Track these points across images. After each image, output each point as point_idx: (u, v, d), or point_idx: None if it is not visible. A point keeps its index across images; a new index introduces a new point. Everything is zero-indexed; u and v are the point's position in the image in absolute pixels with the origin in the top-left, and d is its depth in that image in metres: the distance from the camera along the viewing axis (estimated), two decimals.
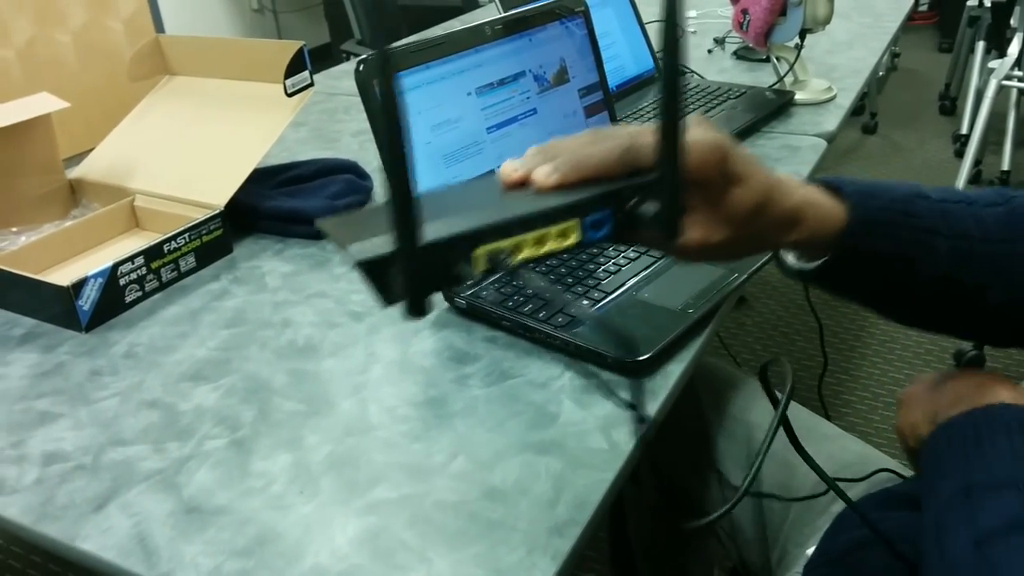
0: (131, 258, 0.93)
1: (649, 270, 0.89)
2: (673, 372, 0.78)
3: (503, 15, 0.98)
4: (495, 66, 0.94)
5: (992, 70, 2.72)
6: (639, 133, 0.50)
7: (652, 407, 0.74)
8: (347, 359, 0.83)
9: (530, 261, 0.49)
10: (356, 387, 0.78)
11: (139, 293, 0.94)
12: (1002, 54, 2.73)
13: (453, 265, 0.47)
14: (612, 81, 1.45)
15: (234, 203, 1.04)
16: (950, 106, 3.73)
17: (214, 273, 1.01)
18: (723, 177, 0.51)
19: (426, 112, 0.88)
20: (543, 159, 0.51)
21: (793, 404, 1.00)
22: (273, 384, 0.80)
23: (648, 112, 1.37)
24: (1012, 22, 2.72)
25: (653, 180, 0.49)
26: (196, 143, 1.14)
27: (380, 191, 1.17)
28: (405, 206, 0.43)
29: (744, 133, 1.31)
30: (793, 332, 2.29)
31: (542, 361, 0.81)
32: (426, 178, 0.87)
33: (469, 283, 0.86)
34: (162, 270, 0.96)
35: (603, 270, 0.90)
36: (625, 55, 1.50)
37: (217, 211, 1.02)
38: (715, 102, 1.40)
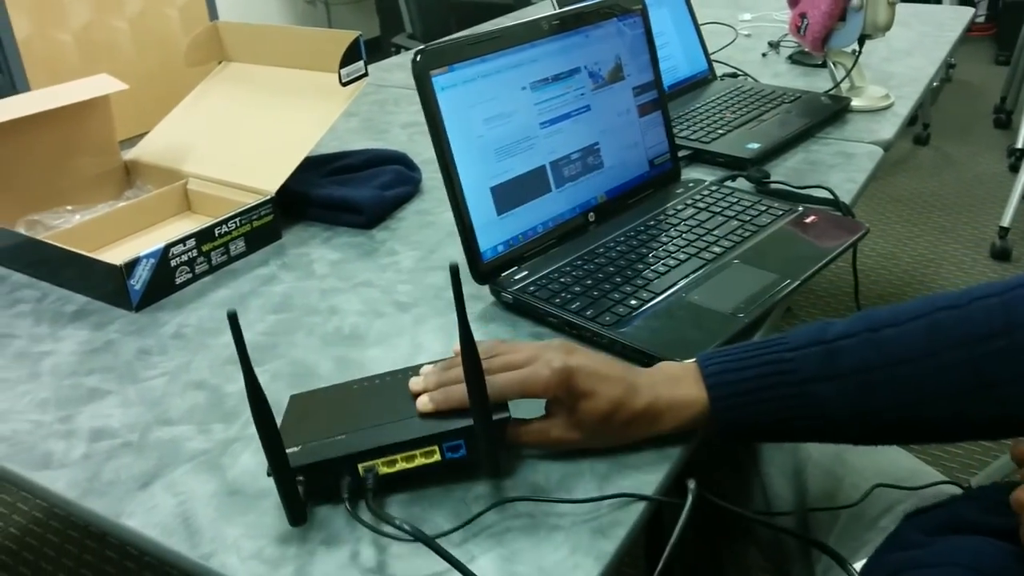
0: (183, 240, 0.94)
1: (699, 272, 0.88)
2: None
3: (559, 11, 0.97)
4: (550, 61, 0.94)
5: None
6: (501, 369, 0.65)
7: None
8: (393, 348, 0.83)
9: (401, 473, 0.63)
10: None
11: (189, 275, 0.95)
12: None
13: (341, 476, 0.62)
14: (665, 81, 1.44)
15: (284, 190, 1.05)
16: (1005, 120, 3.65)
17: (263, 258, 1.01)
18: (570, 394, 0.65)
19: (480, 105, 0.87)
20: (434, 382, 0.67)
21: None
22: (319, 370, 0.80)
23: (700, 113, 1.35)
24: None
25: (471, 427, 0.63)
26: (250, 129, 1.15)
27: (428, 182, 1.18)
28: (272, 438, 0.59)
29: (798, 138, 1.29)
30: None
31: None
32: (478, 172, 0.87)
33: (515, 286, 0.86)
34: (212, 253, 0.97)
35: (652, 270, 0.88)
36: (679, 56, 1.48)
37: (268, 197, 1.03)
38: (769, 106, 1.38)
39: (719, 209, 1.01)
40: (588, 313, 0.81)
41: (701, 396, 0.67)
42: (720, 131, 1.28)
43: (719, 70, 1.57)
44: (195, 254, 0.95)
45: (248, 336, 0.85)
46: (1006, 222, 2.65)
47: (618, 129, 1.01)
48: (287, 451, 0.60)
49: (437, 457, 0.64)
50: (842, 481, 0.85)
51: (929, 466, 0.87)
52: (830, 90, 1.44)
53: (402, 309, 0.90)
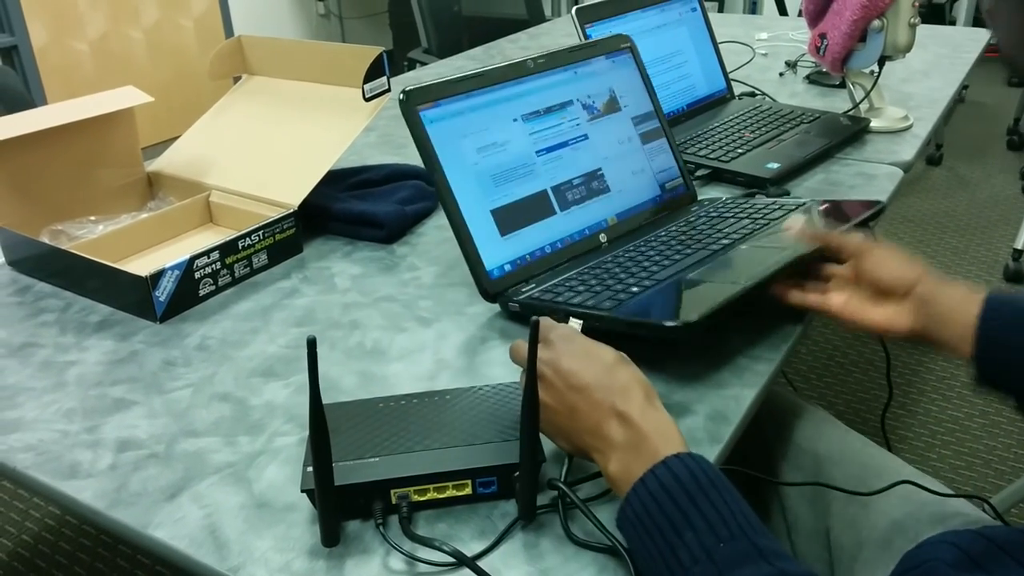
0: (207, 252, 0.94)
1: (704, 259, 0.89)
2: (745, 397, 0.77)
3: (543, 53, 0.98)
4: (540, 96, 0.97)
5: None
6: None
7: (724, 432, 0.73)
8: (415, 364, 0.83)
9: (431, 501, 0.64)
10: (423, 391, 0.78)
11: (212, 287, 0.96)
12: None
13: (374, 500, 0.63)
14: (683, 101, 1.45)
15: (306, 204, 1.05)
16: (1019, 141, 3.65)
17: (285, 271, 1.02)
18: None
19: (472, 135, 0.90)
20: None
21: (829, 418, 0.99)
22: (342, 384, 0.80)
23: (719, 132, 1.35)
24: None
25: (520, 472, 0.63)
26: (272, 143, 1.15)
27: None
28: (323, 455, 0.59)
29: (818, 158, 1.29)
30: (849, 363, 2.25)
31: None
32: (475, 196, 0.89)
33: (523, 291, 0.88)
34: (235, 265, 0.98)
35: (657, 264, 0.89)
36: (697, 74, 1.49)
37: (291, 210, 1.03)
38: (788, 126, 1.39)
39: (731, 214, 1.02)
40: (589, 303, 0.82)
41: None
42: (739, 150, 1.28)
43: (736, 89, 1.57)
44: (219, 266, 0.96)
45: (271, 349, 0.86)
46: (1020, 244, 2.64)
47: (621, 156, 1.03)
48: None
49: (468, 491, 0.65)
50: (867, 507, 0.85)
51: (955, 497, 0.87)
52: (849, 111, 1.44)
53: (424, 324, 0.90)
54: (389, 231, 1.08)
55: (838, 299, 0.84)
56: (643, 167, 1.05)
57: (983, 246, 2.87)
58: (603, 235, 0.98)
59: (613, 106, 1.03)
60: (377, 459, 0.65)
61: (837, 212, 0.98)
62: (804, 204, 1.02)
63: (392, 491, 0.64)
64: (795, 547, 0.88)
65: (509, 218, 0.90)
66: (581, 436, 0.64)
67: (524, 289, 0.88)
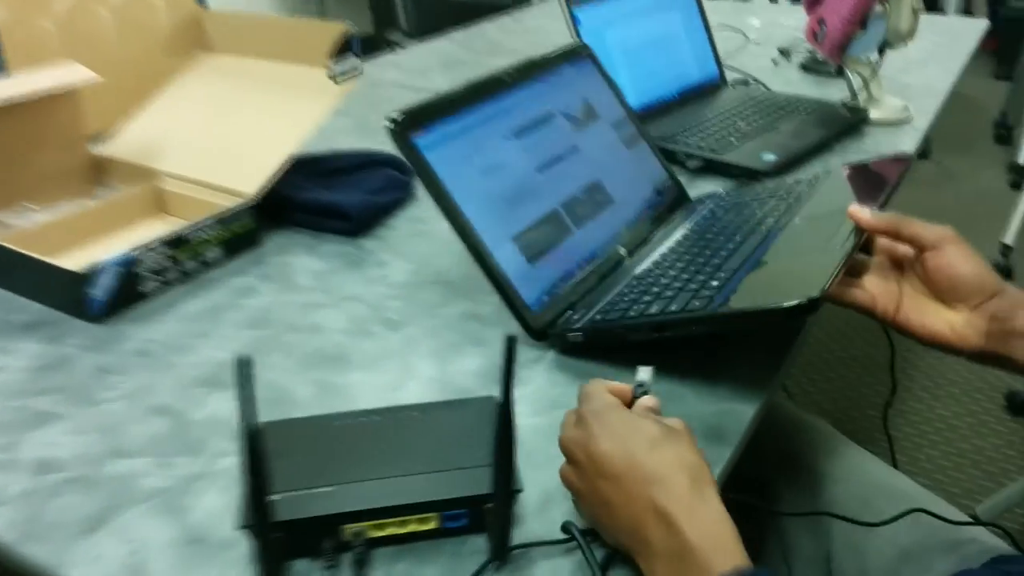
0: (153, 245, 0.85)
1: (764, 242, 0.80)
2: (745, 413, 0.70)
3: (512, 65, 0.90)
4: (523, 109, 0.89)
5: None
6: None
7: (723, 453, 0.65)
8: (380, 373, 0.75)
9: (390, 537, 0.56)
10: (388, 404, 0.69)
11: (158, 284, 0.87)
12: None
13: (322, 537, 0.55)
14: (674, 87, 1.37)
15: (267, 192, 0.97)
16: (1006, 135, 3.60)
17: (241, 267, 0.93)
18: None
19: (472, 158, 0.81)
20: None
21: (831, 431, 0.91)
22: (296, 396, 0.72)
23: (712, 122, 1.27)
24: None
25: (492, 505, 0.55)
26: (231, 126, 1.06)
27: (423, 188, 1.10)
28: (258, 490, 0.49)
29: (815, 150, 1.21)
30: (834, 359, 2.19)
31: (571, 372, 0.72)
32: (494, 225, 0.79)
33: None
34: (185, 261, 0.89)
35: (716, 258, 0.79)
36: (689, 61, 1.41)
37: (249, 200, 0.95)
38: (783, 115, 1.31)
39: (749, 200, 0.94)
40: (673, 308, 0.71)
41: None
42: (733, 141, 1.21)
43: (729, 76, 1.49)
44: (166, 261, 0.87)
45: (219, 355, 0.77)
46: (1008, 239, 2.59)
47: (613, 165, 0.95)
48: (272, 498, 0.52)
49: (434, 525, 0.57)
50: (867, 547, 0.78)
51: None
52: (848, 100, 1.36)
53: (391, 328, 0.82)
54: (357, 223, 0.99)
55: (887, 297, 0.72)
56: (635, 173, 0.98)
57: (971, 240, 2.77)
58: (621, 248, 0.89)
59: (591, 114, 0.96)
60: (329, 488, 0.56)
61: (869, 177, 0.90)
62: (820, 175, 0.95)
63: (345, 527, 0.55)
64: (794, 572, 0.81)
65: (532, 244, 0.81)
66: (619, 534, 0.54)
67: (575, 317, 0.78)
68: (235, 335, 0.80)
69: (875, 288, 0.73)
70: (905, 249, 0.74)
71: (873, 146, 1.26)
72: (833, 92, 1.47)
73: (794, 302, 0.63)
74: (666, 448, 0.54)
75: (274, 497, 0.54)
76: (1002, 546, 0.76)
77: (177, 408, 0.70)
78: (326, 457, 0.60)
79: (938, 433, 1.96)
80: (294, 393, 0.72)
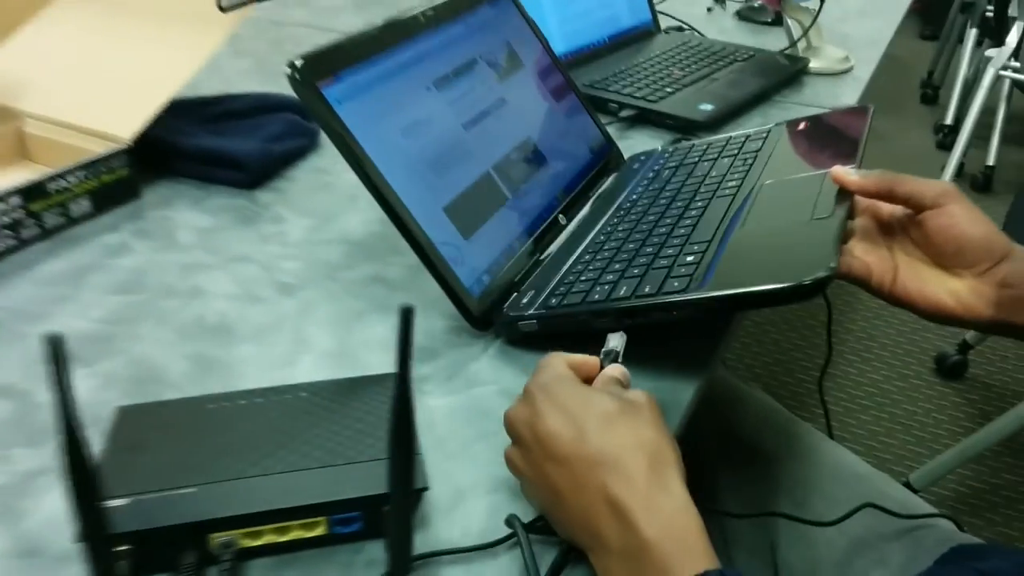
0: (4, 196, 0.73)
1: (734, 209, 0.69)
2: (686, 390, 0.62)
3: (430, 5, 0.78)
4: (443, 55, 0.76)
5: (988, 59, 2.59)
6: None
7: None
8: (269, 345, 0.65)
9: (269, 546, 0.47)
10: (277, 383, 0.59)
11: (13, 241, 0.75)
12: (999, 43, 2.59)
13: (182, 549, 0.45)
14: (604, 32, 1.27)
15: (147, 138, 0.85)
16: (932, 95, 3.60)
17: (113, 222, 0.81)
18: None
19: (391, 115, 0.68)
20: None
21: (772, 405, 0.84)
22: (168, 374, 0.61)
23: (645, 69, 1.19)
24: (1011, 11, 2.58)
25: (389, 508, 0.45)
26: (107, 62, 0.93)
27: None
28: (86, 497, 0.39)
29: (754, 101, 1.14)
30: (770, 325, 2.15)
31: (519, 363, 0.64)
32: (422, 194, 0.67)
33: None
34: (45, 214, 0.77)
35: (680, 228, 0.69)
36: (619, 4, 1.31)
37: (123, 146, 0.83)
38: (720, 64, 1.23)
39: (696, 159, 0.85)
40: (646, 290, 0.61)
41: None
42: (668, 90, 1.12)
43: (663, 23, 1.40)
44: (22, 215, 0.75)
45: (79, 324, 0.66)
46: None
47: (543, 120, 0.85)
48: (109, 504, 0.43)
49: (322, 531, 0.47)
50: (816, 540, 0.71)
51: (922, 501, 0.73)
52: (787, 48, 1.29)
53: (285, 292, 0.71)
54: (251, 173, 0.88)
55: (882, 266, 0.63)
56: (566, 129, 0.87)
57: None
58: (561, 216, 0.79)
59: (515, 62, 0.85)
60: (191, 489, 0.47)
61: (830, 132, 0.82)
62: (773, 127, 0.86)
63: (211, 536, 0.46)
64: (735, 563, 0.74)
65: (465, 215, 0.69)
66: (571, 527, 0.46)
67: (524, 301, 0.67)
68: (100, 301, 0.69)
69: (867, 256, 0.64)
70: (893, 209, 0.65)
71: (813, 97, 1.19)
72: (770, 41, 1.39)
73: (809, 279, 0.53)
74: (622, 425, 0.46)
75: (118, 502, 0.44)
76: (956, 531, 0.70)
77: (22, 388, 0.59)
78: (194, 450, 0.50)
79: (870, 398, 1.93)
80: (166, 370, 0.62)
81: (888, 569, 0.66)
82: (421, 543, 0.48)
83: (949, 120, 3.09)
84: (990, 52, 2.63)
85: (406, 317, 0.39)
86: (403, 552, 0.46)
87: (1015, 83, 2.64)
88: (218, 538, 0.46)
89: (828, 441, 0.79)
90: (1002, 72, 2.51)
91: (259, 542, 0.47)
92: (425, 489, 0.48)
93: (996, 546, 0.66)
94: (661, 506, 0.43)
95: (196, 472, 0.48)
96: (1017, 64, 2.54)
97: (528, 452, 0.48)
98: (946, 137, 3.08)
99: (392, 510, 0.44)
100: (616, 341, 0.56)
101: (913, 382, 1.98)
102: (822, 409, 1.09)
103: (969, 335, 1.98)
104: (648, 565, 0.42)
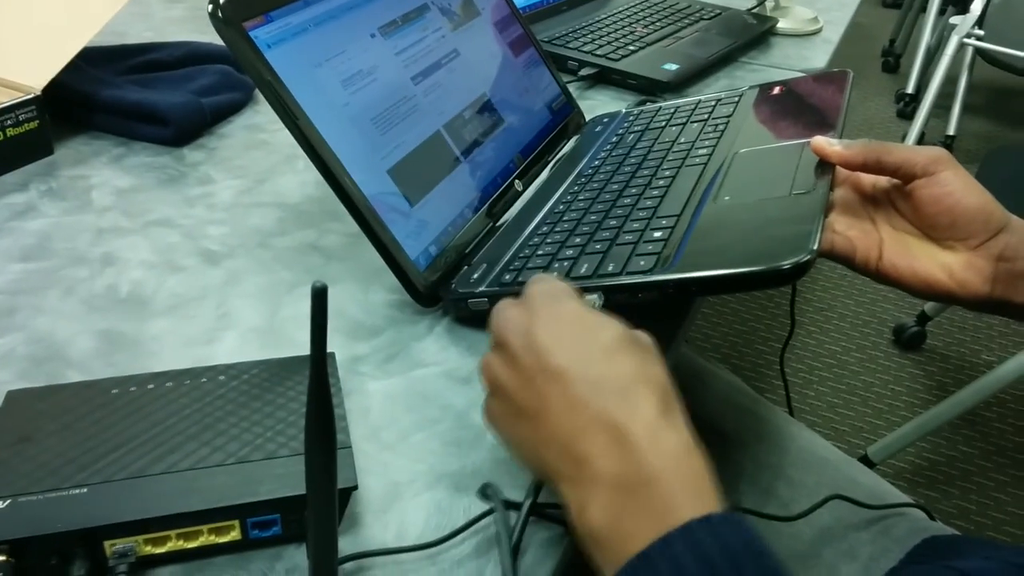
0: None
1: (706, 179, 0.64)
2: None
3: None
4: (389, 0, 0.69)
5: (952, 26, 2.56)
6: None
7: None
8: (188, 320, 0.58)
9: (175, 555, 0.41)
10: (195, 363, 0.53)
11: None
12: (963, 10, 2.56)
13: (72, 558, 0.40)
14: None
15: (62, 88, 0.77)
16: (894, 63, 3.58)
17: (21, 180, 0.74)
18: None
19: (330, 62, 0.61)
20: None
21: (737, 384, 0.80)
22: (71, 352, 0.55)
23: (606, 25, 1.12)
24: None
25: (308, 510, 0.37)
26: (14, 5, 0.85)
27: None
28: None
29: (720, 62, 1.08)
30: (733, 297, 2.12)
31: (466, 342, 0.58)
32: (362, 153, 0.60)
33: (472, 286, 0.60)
34: None
35: (646, 198, 0.63)
36: None
37: (31, 95, 0.75)
38: (686, 22, 1.17)
39: (663, 123, 0.79)
40: (610, 268, 0.55)
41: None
42: (631, 48, 1.06)
43: None
44: None
45: None
46: None
47: (500, 75, 0.78)
48: None
49: (236, 535, 0.42)
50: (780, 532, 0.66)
51: (891, 485, 0.69)
52: (755, 7, 1.23)
53: (210, 261, 0.65)
54: (177, 129, 0.80)
55: (867, 240, 0.58)
56: (525, 86, 0.81)
57: None
58: (517, 182, 0.73)
59: (471, 10, 0.78)
60: (82, 490, 0.40)
61: (806, 98, 0.76)
62: (745, 90, 0.80)
63: (106, 542, 0.40)
64: None
65: (412, 178, 0.62)
66: (547, 449, 0.40)
67: (475, 276, 0.61)
68: (1, 268, 0.62)
69: (850, 230, 0.59)
70: (876, 179, 0.60)
71: (783, 59, 1.14)
72: (736, 1, 1.34)
73: (791, 261, 0.48)
74: (630, 355, 0.41)
75: None
76: (927, 520, 0.66)
77: None
78: (88, 443, 0.43)
79: (828, 369, 1.91)
80: (70, 347, 0.55)
81: (858, 562, 0.62)
82: (351, 546, 0.43)
83: (911, 89, 3.07)
84: (954, 19, 2.60)
85: (320, 297, 0.33)
86: (326, 557, 0.40)
87: (978, 51, 2.62)
88: (114, 545, 0.40)
89: (794, 423, 0.75)
90: (966, 40, 2.48)
91: (163, 549, 0.41)
92: (353, 488, 0.42)
93: (968, 538, 0.62)
94: (669, 440, 0.38)
95: (90, 469, 0.41)
96: (981, 32, 2.51)
97: (514, 360, 0.42)
98: (907, 106, 3.06)
99: (310, 515, 0.38)
100: (593, 302, 0.52)
101: (871, 353, 1.96)
102: (782, 381, 1.05)
103: (928, 306, 1.96)
104: (646, 500, 0.36)
